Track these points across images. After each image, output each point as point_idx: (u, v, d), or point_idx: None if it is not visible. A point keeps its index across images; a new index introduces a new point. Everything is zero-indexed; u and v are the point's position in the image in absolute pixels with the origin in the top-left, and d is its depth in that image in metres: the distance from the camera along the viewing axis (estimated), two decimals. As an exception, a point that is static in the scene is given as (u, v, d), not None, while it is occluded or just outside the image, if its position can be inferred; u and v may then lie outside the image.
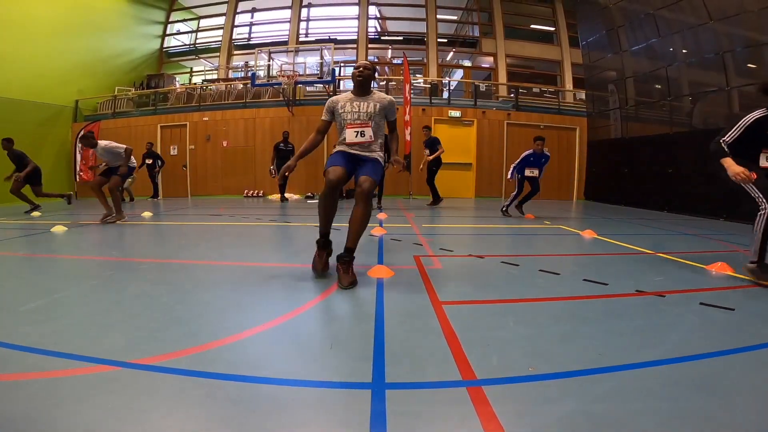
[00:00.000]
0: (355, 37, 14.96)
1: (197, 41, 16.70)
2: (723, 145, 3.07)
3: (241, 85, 13.19)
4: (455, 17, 16.23)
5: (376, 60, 16.06)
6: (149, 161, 10.88)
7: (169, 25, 16.65)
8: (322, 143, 3.25)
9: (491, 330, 1.94)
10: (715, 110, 7.73)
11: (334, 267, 2.80)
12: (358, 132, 3.00)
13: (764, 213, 2.99)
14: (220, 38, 15.81)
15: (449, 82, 15.25)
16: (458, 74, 17.32)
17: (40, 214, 7.15)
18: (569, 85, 14.55)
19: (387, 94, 4.79)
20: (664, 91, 8.80)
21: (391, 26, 16.55)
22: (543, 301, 2.41)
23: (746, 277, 2.93)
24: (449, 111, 11.95)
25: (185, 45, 16.90)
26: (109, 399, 1.31)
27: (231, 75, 15.57)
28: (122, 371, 1.51)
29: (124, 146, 5.89)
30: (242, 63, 15.51)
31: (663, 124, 8.96)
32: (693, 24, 7.75)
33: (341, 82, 13.70)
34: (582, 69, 12.34)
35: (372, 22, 15.75)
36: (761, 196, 2.97)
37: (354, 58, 15.08)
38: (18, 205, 8.04)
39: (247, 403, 1.31)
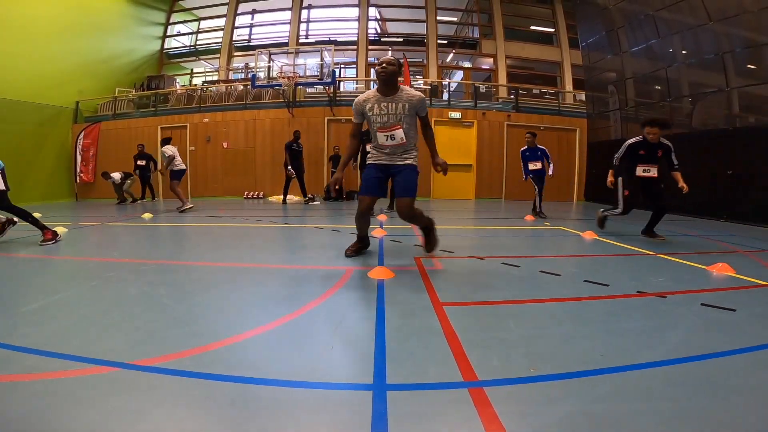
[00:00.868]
0: (355, 39, 14.97)
1: (198, 42, 16.71)
2: (615, 160, 4.72)
3: (242, 87, 13.19)
4: (455, 18, 16.24)
5: (376, 61, 16.05)
6: (141, 163, 10.59)
7: (169, 27, 16.68)
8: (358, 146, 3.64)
9: (492, 331, 1.94)
10: (715, 111, 7.72)
11: (352, 257, 3.44)
12: (388, 136, 3.03)
13: (612, 210, 4.98)
14: (220, 39, 15.83)
15: (449, 83, 15.26)
16: (458, 75, 17.34)
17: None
18: (569, 86, 14.55)
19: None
20: (664, 92, 8.80)
21: (391, 28, 16.57)
22: (544, 302, 2.41)
23: (747, 278, 2.93)
24: (449, 112, 11.95)
25: (186, 46, 16.92)
26: (109, 400, 1.31)
27: (231, 76, 15.58)
28: (122, 372, 1.50)
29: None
30: (242, 64, 15.52)
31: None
32: (693, 25, 7.75)
33: (341, 83, 13.71)
34: (582, 70, 12.35)
35: (372, 24, 15.78)
36: (622, 203, 4.79)
37: (354, 59, 15.10)
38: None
39: (247, 404, 1.31)
